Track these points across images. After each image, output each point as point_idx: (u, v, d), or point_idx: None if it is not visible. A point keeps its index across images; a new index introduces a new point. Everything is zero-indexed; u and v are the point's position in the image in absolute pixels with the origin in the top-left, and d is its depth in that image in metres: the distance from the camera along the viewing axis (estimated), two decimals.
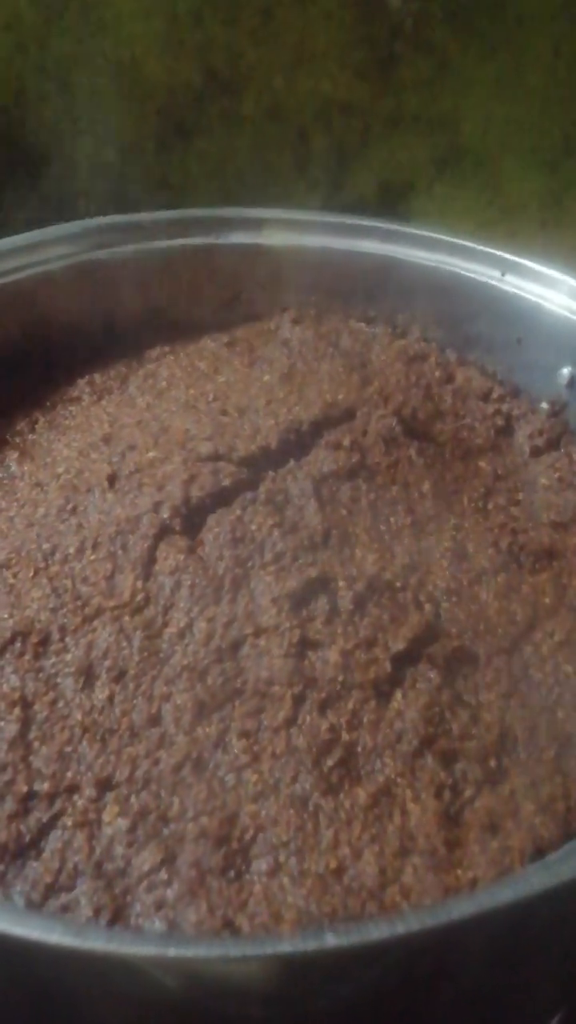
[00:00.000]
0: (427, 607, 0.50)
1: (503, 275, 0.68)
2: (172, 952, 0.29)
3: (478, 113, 0.95)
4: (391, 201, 0.98)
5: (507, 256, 0.68)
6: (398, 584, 0.50)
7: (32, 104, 0.95)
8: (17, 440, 0.63)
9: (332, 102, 0.94)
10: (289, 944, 0.30)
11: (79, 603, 0.49)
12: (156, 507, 0.52)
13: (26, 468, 0.60)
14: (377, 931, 0.30)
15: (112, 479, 0.55)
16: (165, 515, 0.52)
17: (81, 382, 0.67)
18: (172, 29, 0.91)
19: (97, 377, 0.68)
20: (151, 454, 0.56)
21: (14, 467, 0.61)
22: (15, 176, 0.99)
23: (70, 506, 0.54)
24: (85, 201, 0.99)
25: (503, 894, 0.32)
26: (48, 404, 0.66)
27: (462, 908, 0.31)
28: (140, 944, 0.30)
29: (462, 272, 0.69)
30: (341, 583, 0.50)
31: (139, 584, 0.49)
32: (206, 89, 0.93)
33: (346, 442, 0.57)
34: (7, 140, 0.97)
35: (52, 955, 0.30)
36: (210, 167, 0.96)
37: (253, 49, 0.92)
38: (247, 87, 0.93)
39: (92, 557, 0.51)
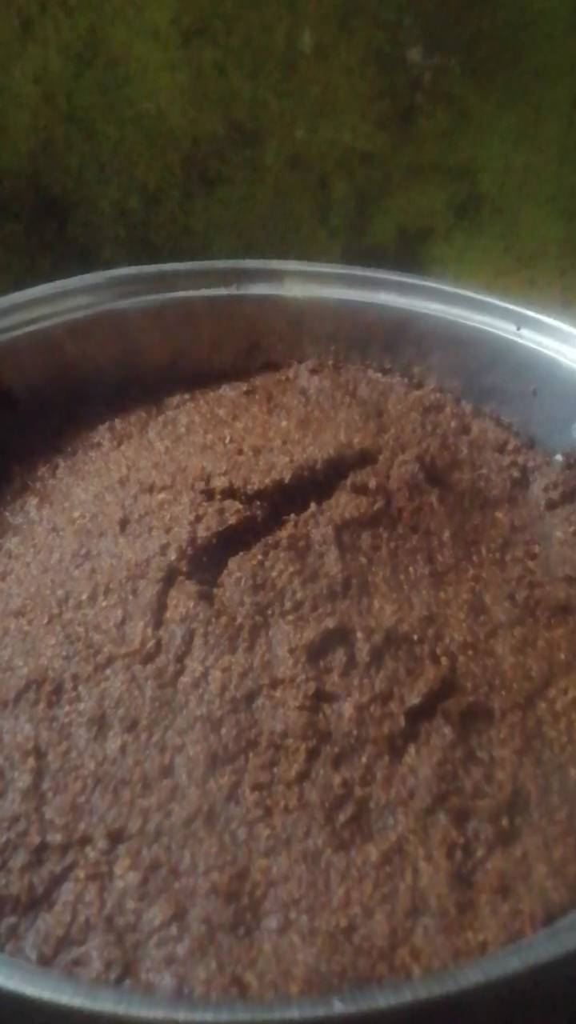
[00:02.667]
0: (443, 661, 0.50)
1: (518, 328, 0.69)
2: (182, 1017, 0.29)
3: (497, 162, 0.96)
4: (410, 248, 0.99)
5: (522, 310, 0.69)
6: (415, 637, 0.50)
7: (59, 152, 0.97)
8: (37, 485, 0.64)
9: (353, 152, 0.95)
10: (297, 1010, 0.30)
11: (92, 651, 0.49)
12: (163, 550, 0.53)
13: (44, 513, 0.61)
14: (384, 998, 0.30)
15: (124, 523, 0.55)
16: (172, 557, 0.52)
17: (102, 428, 0.68)
18: (196, 81, 0.93)
19: (118, 423, 0.68)
20: (161, 496, 0.57)
21: (33, 512, 0.61)
22: (41, 222, 1.01)
23: (84, 551, 0.55)
24: (110, 247, 1.00)
25: (510, 962, 0.31)
26: (69, 450, 0.67)
27: (469, 976, 0.31)
28: (149, 1007, 0.30)
29: (478, 325, 0.70)
30: (359, 634, 0.50)
31: (149, 632, 0.50)
32: (229, 139, 0.95)
33: (372, 484, 0.57)
34: (35, 187, 0.99)
35: (63, 1015, 0.30)
36: (232, 215, 0.98)
37: (276, 101, 0.93)
38: (269, 137, 0.95)
39: (104, 603, 0.51)
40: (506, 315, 0.69)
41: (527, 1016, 0.35)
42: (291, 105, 0.93)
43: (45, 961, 0.40)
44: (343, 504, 0.56)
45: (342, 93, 0.93)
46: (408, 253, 0.99)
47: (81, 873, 0.42)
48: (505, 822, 0.44)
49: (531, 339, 0.68)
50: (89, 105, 0.95)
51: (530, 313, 0.68)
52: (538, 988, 0.33)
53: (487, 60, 0.91)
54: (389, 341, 0.72)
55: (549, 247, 0.99)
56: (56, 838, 0.43)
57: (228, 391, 0.71)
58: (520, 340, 0.68)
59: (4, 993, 0.30)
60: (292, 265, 0.74)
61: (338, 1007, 0.29)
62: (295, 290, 0.73)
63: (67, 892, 0.42)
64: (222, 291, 0.73)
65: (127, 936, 0.40)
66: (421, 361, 0.72)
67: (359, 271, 0.73)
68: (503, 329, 0.69)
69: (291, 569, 0.52)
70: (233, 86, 0.92)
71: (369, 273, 0.73)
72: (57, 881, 0.42)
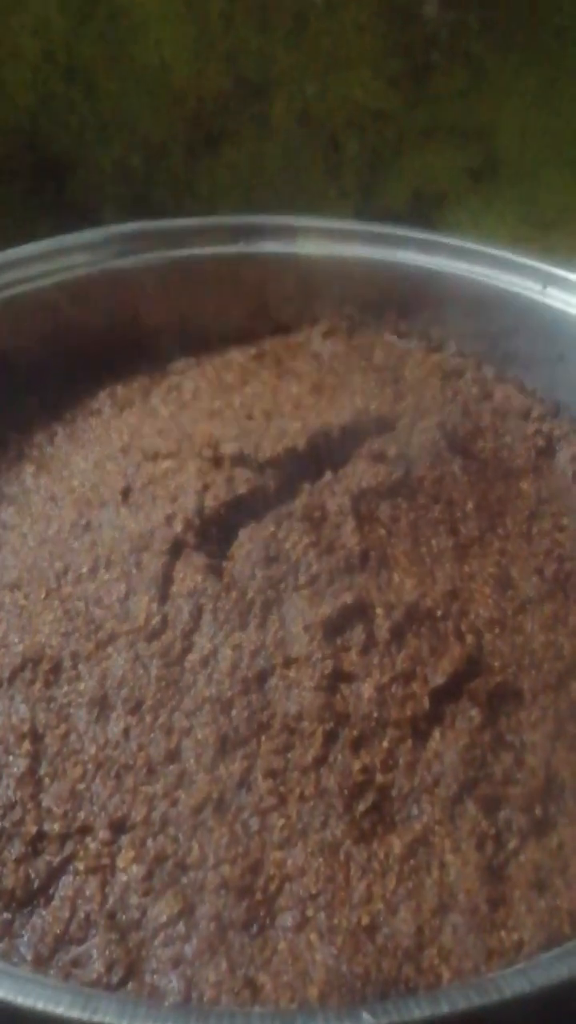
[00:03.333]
0: (469, 638, 0.47)
1: (544, 288, 0.66)
2: None
3: (515, 124, 0.93)
4: (423, 212, 0.97)
5: (548, 268, 0.66)
6: (439, 613, 0.48)
7: (59, 110, 0.94)
8: (35, 453, 0.61)
9: (365, 110, 0.93)
10: (321, 1021, 0.27)
11: (93, 627, 0.47)
12: (168, 520, 0.50)
13: (42, 482, 0.58)
14: (419, 1009, 0.27)
15: (126, 492, 0.53)
16: (178, 528, 0.49)
17: (102, 394, 0.65)
18: (202, 34, 0.90)
19: (119, 389, 0.66)
20: (166, 464, 0.54)
21: (29, 481, 0.59)
22: (41, 183, 0.98)
23: (84, 522, 0.52)
24: (111, 209, 0.97)
25: (558, 969, 0.28)
26: (68, 416, 0.64)
27: (513, 984, 0.28)
28: (155, 1019, 0.27)
29: (501, 285, 0.67)
30: (379, 610, 0.47)
31: (154, 607, 0.47)
32: (236, 95, 0.92)
33: (391, 452, 0.55)
34: (33, 146, 0.96)
35: None
36: (239, 175, 0.95)
37: (285, 55, 0.90)
38: (278, 93, 0.92)
39: (105, 577, 0.49)
40: (531, 273, 0.66)
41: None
42: (301, 59, 0.90)
43: (42, 961, 0.38)
44: (360, 472, 0.53)
45: (354, 48, 0.90)
46: (422, 217, 0.96)
47: (81, 865, 0.40)
48: (539, 811, 0.41)
49: (558, 299, 0.64)
50: (90, 59, 0.92)
51: (557, 271, 0.65)
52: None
53: (506, 17, 0.88)
54: (407, 302, 0.69)
55: (569, 213, 0.97)
56: (54, 827, 0.41)
57: (236, 355, 0.68)
58: (546, 300, 0.65)
59: None
60: (304, 221, 0.71)
61: (367, 1020, 0.26)
62: (307, 247, 0.70)
63: (66, 886, 0.40)
64: (230, 248, 0.69)
65: (130, 934, 0.38)
66: (440, 324, 0.69)
67: (376, 227, 0.70)
68: (528, 289, 0.66)
69: (306, 541, 0.49)
70: (241, 39, 0.89)
71: (387, 230, 0.70)
72: (55, 874, 0.40)
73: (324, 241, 0.70)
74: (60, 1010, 0.27)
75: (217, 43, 0.90)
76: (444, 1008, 0.27)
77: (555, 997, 0.29)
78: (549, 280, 0.65)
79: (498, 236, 0.97)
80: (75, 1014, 0.27)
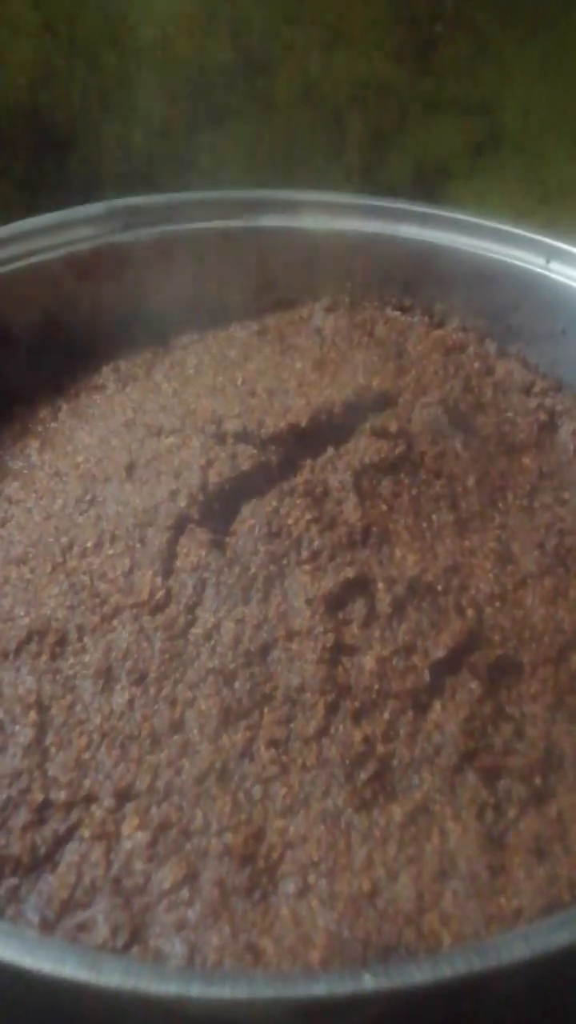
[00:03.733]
0: (469, 612, 0.47)
1: (548, 262, 0.65)
2: (195, 992, 0.26)
3: (519, 97, 0.93)
4: (427, 187, 0.96)
5: (553, 242, 0.66)
6: (439, 587, 0.48)
7: (60, 84, 0.94)
8: (39, 429, 0.61)
9: (368, 84, 0.92)
10: (324, 985, 0.27)
11: (97, 601, 0.47)
12: (173, 496, 0.50)
13: (46, 457, 0.58)
14: (420, 973, 0.27)
15: (130, 468, 0.53)
16: (182, 504, 0.50)
17: (106, 369, 0.65)
18: (204, 6, 0.89)
19: (122, 364, 0.66)
20: (169, 440, 0.54)
21: (34, 456, 0.59)
22: (41, 158, 0.97)
23: (88, 497, 0.52)
24: (112, 184, 0.97)
25: (559, 935, 0.29)
26: (72, 391, 0.64)
27: (513, 949, 0.28)
28: (160, 981, 0.27)
29: (504, 259, 0.67)
30: (380, 585, 0.47)
31: (158, 581, 0.47)
32: (238, 69, 0.91)
33: (392, 428, 0.54)
34: (34, 120, 0.96)
35: (66, 988, 0.28)
36: (241, 150, 0.95)
37: (287, 28, 0.90)
38: (280, 67, 0.91)
39: (110, 552, 0.49)
40: (535, 247, 0.65)
41: (571, 997, 0.32)
42: (304, 33, 0.90)
43: (48, 926, 0.38)
44: (362, 448, 0.53)
45: (358, 21, 0.89)
46: (425, 192, 0.96)
47: (86, 832, 0.40)
48: (538, 781, 0.42)
49: (561, 273, 0.64)
50: (91, 33, 0.91)
51: (561, 245, 0.64)
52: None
53: None
54: (409, 277, 0.69)
55: (573, 186, 0.96)
56: (60, 796, 0.41)
57: (238, 331, 0.68)
58: (549, 275, 0.65)
59: (2, 964, 0.28)
60: (307, 195, 0.70)
61: (368, 982, 0.26)
62: (310, 222, 0.69)
63: (71, 852, 0.40)
64: (232, 222, 0.69)
65: (135, 899, 0.38)
66: (443, 298, 0.69)
67: (378, 201, 0.70)
68: (531, 263, 0.65)
69: (308, 516, 0.49)
70: (243, 12, 0.89)
71: (389, 204, 0.70)
72: (61, 841, 0.40)
73: (326, 216, 0.69)
74: (66, 971, 0.27)
75: (220, 16, 0.89)
76: (445, 971, 0.27)
77: (555, 963, 0.29)
78: (553, 254, 0.65)
79: (501, 210, 0.96)
80: (82, 975, 0.27)
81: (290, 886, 0.38)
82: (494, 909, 0.37)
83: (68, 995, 0.28)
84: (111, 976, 0.27)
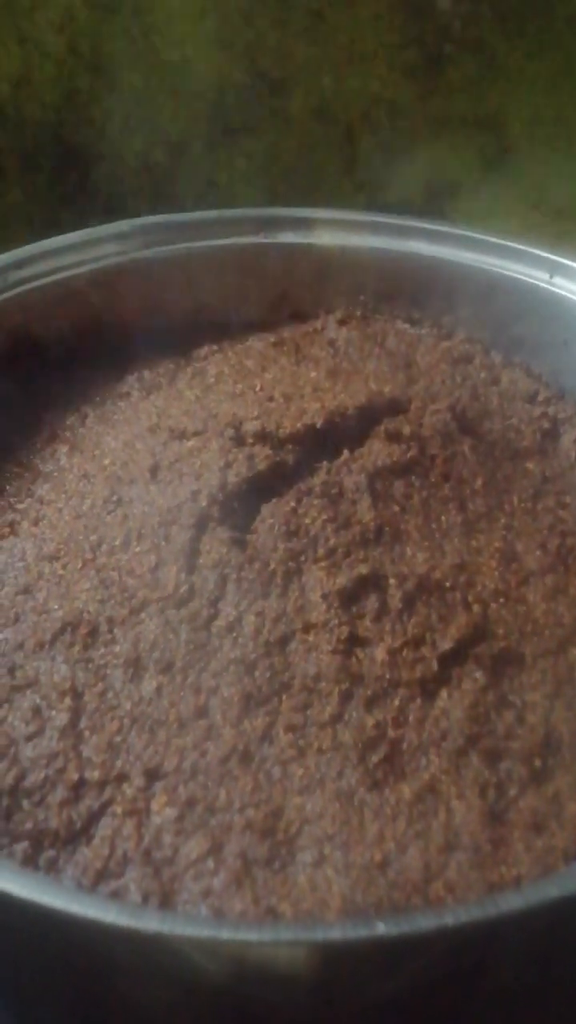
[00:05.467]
0: (475, 608, 0.50)
1: (551, 277, 0.68)
2: (225, 935, 0.30)
3: (526, 113, 0.95)
4: (437, 201, 0.98)
5: (555, 258, 0.68)
6: (447, 584, 0.50)
7: (83, 103, 0.97)
8: (67, 434, 0.64)
9: (380, 102, 0.95)
10: (340, 930, 0.30)
11: (126, 595, 0.50)
12: (194, 496, 0.52)
13: (75, 460, 0.61)
14: (426, 922, 0.30)
15: (154, 469, 0.55)
16: (203, 503, 0.52)
17: (130, 378, 0.68)
18: (222, 29, 0.92)
19: (146, 374, 0.68)
20: (191, 443, 0.57)
21: (64, 460, 0.62)
22: (65, 174, 1.00)
23: (115, 497, 0.55)
24: (133, 199, 1.00)
25: (549, 890, 0.32)
26: (98, 399, 0.67)
27: (509, 902, 0.31)
28: (194, 926, 0.30)
29: (509, 273, 0.69)
30: (392, 581, 0.50)
31: (182, 576, 0.50)
32: (255, 89, 0.94)
33: (405, 431, 0.57)
34: (58, 138, 0.99)
35: (108, 935, 0.31)
36: (257, 166, 0.97)
37: (302, 49, 0.92)
38: (295, 87, 0.94)
39: (137, 549, 0.51)
40: (539, 263, 0.68)
41: (563, 950, 0.35)
42: (318, 54, 0.93)
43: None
44: (376, 452, 0.56)
45: (369, 41, 0.92)
46: (435, 206, 0.98)
47: (119, 809, 0.43)
48: (537, 762, 0.44)
49: (564, 288, 0.67)
50: (114, 54, 0.94)
51: (564, 261, 0.67)
52: (571, 916, 0.33)
53: (519, 7, 0.90)
54: (418, 290, 0.72)
55: None
56: (94, 775, 0.44)
57: (256, 342, 0.71)
58: (553, 289, 0.67)
59: (49, 912, 0.31)
60: (321, 213, 0.73)
61: (380, 928, 0.29)
62: (324, 238, 0.72)
63: (105, 827, 0.43)
64: (250, 239, 0.72)
65: (164, 869, 0.41)
66: (451, 311, 0.72)
67: (388, 218, 0.72)
68: (535, 277, 0.68)
69: (324, 516, 0.52)
70: (259, 34, 0.92)
71: (398, 221, 0.72)
72: (95, 816, 0.43)
73: (339, 232, 0.72)
74: (110, 918, 0.30)
75: (237, 39, 0.92)
76: (448, 920, 0.30)
77: (547, 915, 0.32)
78: (556, 269, 0.68)
79: (510, 224, 0.99)
80: (124, 921, 0.30)
81: (307, 857, 0.41)
82: (495, 878, 0.40)
83: (110, 941, 0.31)
84: (149, 922, 0.30)
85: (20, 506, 0.59)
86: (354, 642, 0.48)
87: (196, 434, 0.57)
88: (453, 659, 0.48)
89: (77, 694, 0.47)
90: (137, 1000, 0.37)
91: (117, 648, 0.48)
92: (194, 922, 0.31)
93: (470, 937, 0.31)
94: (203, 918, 0.36)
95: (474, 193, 0.98)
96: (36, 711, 0.46)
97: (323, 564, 0.50)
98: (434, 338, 0.71)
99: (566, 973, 0.41)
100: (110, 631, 0.49)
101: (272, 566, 0.50)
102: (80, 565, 0.52)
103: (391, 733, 0.45)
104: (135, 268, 0.71)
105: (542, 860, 0.41)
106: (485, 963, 0.33)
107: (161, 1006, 0.36)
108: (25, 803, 0.44)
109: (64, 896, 0.32)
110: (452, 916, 0.30)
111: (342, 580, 0.50)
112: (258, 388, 0.62)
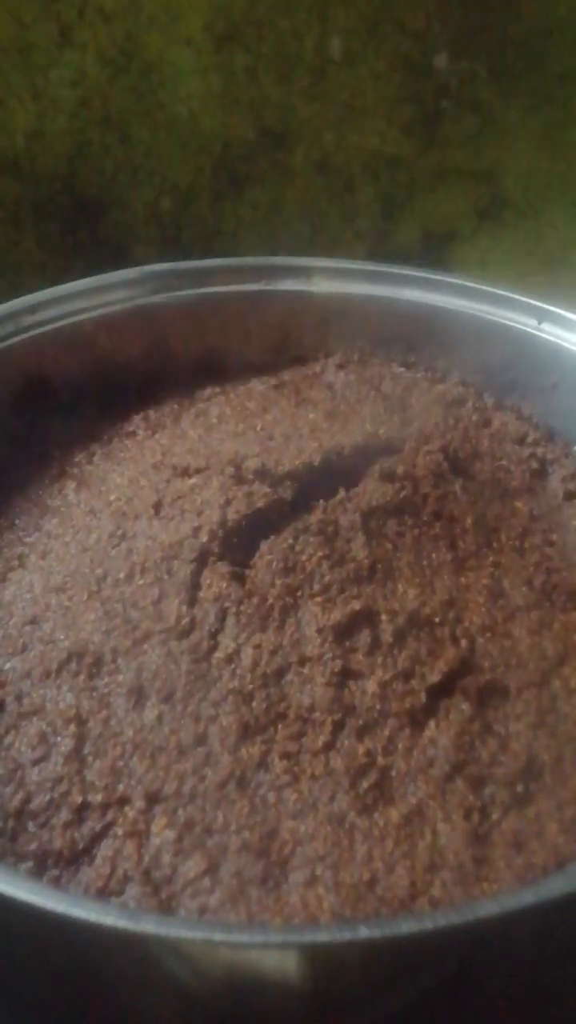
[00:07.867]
0: (463, 642, 0.52)
1: (539, 323, 0.70)
2: (218, 937, 0.31)
3: (520, 166, 0.98)
4: (434, 250, 1.00)
5: (543, 305, 0.70)
6: (437, 619, 0.52)
7: (95, 155, 0.99)
8: (75, 471, 0.66)
9: (379, 156, 0.97)
10: (326, 933, 0.32)
11: (130, 626, 0.51)
12: (195, 532, 0.54)
13: (82, 496, 0.63)
14: (407, 925, 0.32)
15: (158, 506, 0.57)
16: (204, 539, 0.54)
17: (136, 418, 0.70)
18: (228, 86, 0.95)
19: (152, 413, 0.71)
20: (193, 480, 0.58)
21: (71, 495, 0.64)
22: (76, 223, 1.03)
23: (120, 532, 0.57)
24: (142, 247, 1.02)
25: (525, 896, 0.34)
26: (105, 438, 0.69)
27: (487, 908, 0.33)
28: (188, 928, 0.32)
29: (500, 320, 0.71)
30: (383, 616, 0.52)
31: (184, 609, 0.51)
32: (259, 143, 0.97)
33: (399, 471, 0.59)
34: (70, 189, 1.02)
35: (108, 937, 0.33)
36: (261, 216, 1.00)
37: (305, 106, 0.95)
38: (298, 142, 0.97)
39: (140, 582, 0.53)
40: (528, 310, 0.70)
41: (542, 955, 0.37)
42: (319, 110, 0.95)
43: None
44: (370, 491, 0.58)
45: (369, 99, 0.95)
46: (433, 255, 1.00)
47: (120, 831, 0.45)
48: (520, 788, 0.46)
49: (552, 333, 0.69)
50: (124, 109, 0.97)
51: (551, 308, 0.69)
52: (553, 924, 0.35)
53: (512, 66, 0.93)
54: (413, 336, 0.74)
55: (572, 249, 1.00)
56: (97, 798, 0.46)
57: (257, 385, 0.73)
58: (541, 335, 0.69)
59: (49, 915, 0.33)
60: (320, 261, 0.75)
61: (364, 931, 0.31)
62: (323, 286, 0.74)
63: (106, 847, 0.45)
64: (253, 286, 0.74)
65: (163, 888, 0.43)
66: (444, 356, 0.74)
67: (384, 267, 0.75)
68: (525, 324, 0.70)
69: (320, 553, 0.54)
70: (263, 91, 0.95)
71: (394, 269, 0.75)
72: (97, 838, 0.45)
73: (338, 280, 0.74)
74: (109, 921, 0.32)
75: (241, 95, 0.95)
76: (428, 924, 0.32)
77: (525, 920, 0.34)
78: (544, 316, 0.70)
79: (505, 272, 1.01)
80: (122, 924, 0.32)
81: (300, 877, 0.43)
82: (478, 893, 0.42)
83: (109, 942, 0.33)
84: (146, 924, 0.32)
85: (29, 539, 0.61)
86: (347, 675, 0.50)
87: (198, 471, 0.59)
88: (441, 691, 0.50)
89: (82, 721, 0.49)
90: (133, 1004, 0.38)
91: (120, 677, 0.50)
92: (188, 924, 0.32)
93: (448, 941, 0.33)
94: (196, 921, 0.38)
95: (471, 242, 1.01)
96: (42, 737, 0.48)
97: (318, 599, 0.52)
98: (428, 382, 0.74)
99: (553, 985, 0.43)
100: (114, 661, 0.51)
101: (270, 601, 0.52)
102: (86, 597, 0.54)
103: (381, 761, 0.47)
104: (142, 313, 0.73)
105: (522, 877, 0.42)
106: (469, 973, 0.35)
107: (156, 1010, 0.38)
108: (30, 824, 0.46)
109: (65, 900, 0.34)
110: (431, 920, 0.32)
111: (336, 615, 0.51)
112: (259, 428, 0.65)
